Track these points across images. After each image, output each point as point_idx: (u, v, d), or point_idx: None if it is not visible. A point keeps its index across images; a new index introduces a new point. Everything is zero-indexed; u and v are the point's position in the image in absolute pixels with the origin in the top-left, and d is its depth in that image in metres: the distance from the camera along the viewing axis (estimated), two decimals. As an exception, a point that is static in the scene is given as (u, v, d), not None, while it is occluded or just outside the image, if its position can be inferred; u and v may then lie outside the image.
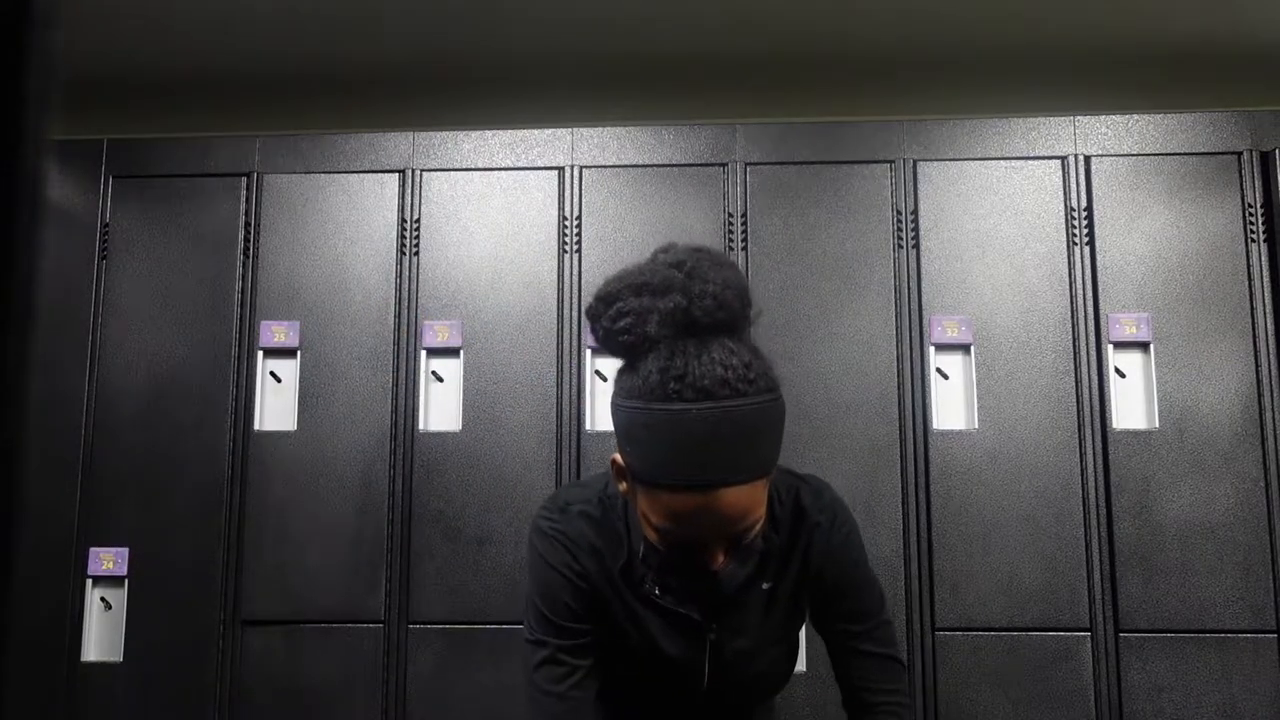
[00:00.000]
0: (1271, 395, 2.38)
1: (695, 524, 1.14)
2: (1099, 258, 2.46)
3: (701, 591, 1.23)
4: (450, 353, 2.53)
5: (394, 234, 2.58)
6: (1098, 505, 2.37)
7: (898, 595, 2.34)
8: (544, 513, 1.36)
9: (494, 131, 2.64)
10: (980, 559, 2.36)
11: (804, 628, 1.43)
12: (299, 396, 2.52)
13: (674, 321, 1.15)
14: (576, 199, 2.56)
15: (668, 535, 1.16)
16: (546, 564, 1.31)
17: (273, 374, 2.55)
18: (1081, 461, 2.39)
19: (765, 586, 1.32)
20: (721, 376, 1.11)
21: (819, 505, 1.34)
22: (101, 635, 2.48)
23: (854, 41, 2.86)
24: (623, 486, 1.24)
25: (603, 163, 2.59)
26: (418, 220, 2.58)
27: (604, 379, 2.49)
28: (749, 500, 1.14)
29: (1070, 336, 2.44)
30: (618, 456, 1.22)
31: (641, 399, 1.14)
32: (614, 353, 1.21)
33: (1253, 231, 2.45)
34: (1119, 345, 2.43)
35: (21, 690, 2.36)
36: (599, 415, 2.49)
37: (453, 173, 2.61)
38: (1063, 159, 2.53)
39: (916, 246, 2.50)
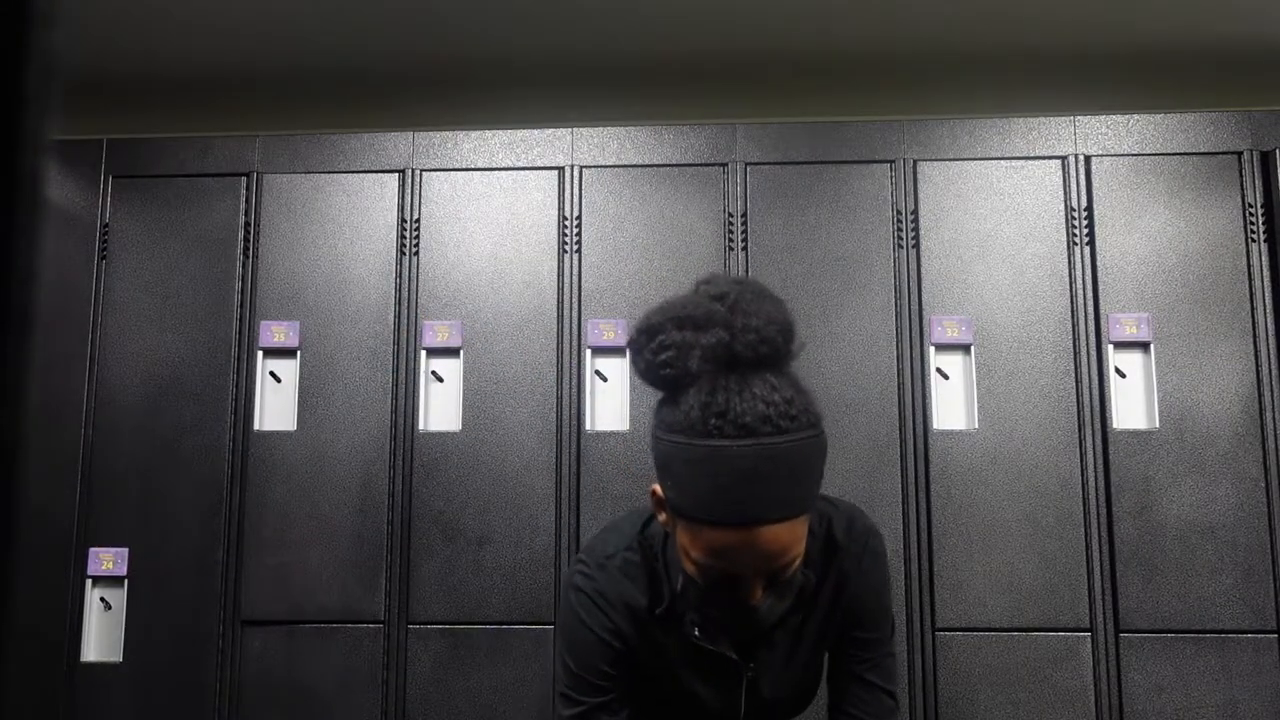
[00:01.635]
0: (1271, 395, 2.38)
1: (734, 560, 1.14)
2: (1099, 258, 2.46)
3: (739, 626, 1.23)
4: (450, 353, 2.53)
5: (394, 234, 2.58)
6: (1098, 505, 2.37)
7: (898, 595, 2.34)
8: (581, 568, 1.35)
9: (494, 131, 2.64)
10: (980, 559, 2.36)
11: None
12: (299, 396, 2.52)
13: (716, 357, 1.15)
14: (576, 199, 2.56)
15: (707, 570, 1.16)
16: (581, 623, 1.31)
17: (273, 374, 2.55)
18: (1081, 461, 2.39)
19: (797, 619, 1.33)
20: (763, 413, 1.11)
21: (851, 535, 1.34)
22: (101, 635, 2.48)
23: (854, 41, 2.86)
24: (662, 518, 1.24)
25: (603, 163, 2.59)
26: (418, 220, 2.58)
27: (604, 379, 2.49)
28: (789, 537, 1.14)
29: (1070, 336, 2.44)
30: (657, 488, 1.22)
31: (682, 434, 1.13)
32: (655, 385, 1.20)
33: (1253, 231, 2.45)
34: (1119, 345, 2.43)
35: (21, 690, 2.36)
36: (599, 415, 2.49)
37: (453, 173, 2.61)
38: (1063, 159, 2.53)
39: (916, 246, 2.50)
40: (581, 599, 1.32)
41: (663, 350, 1.15)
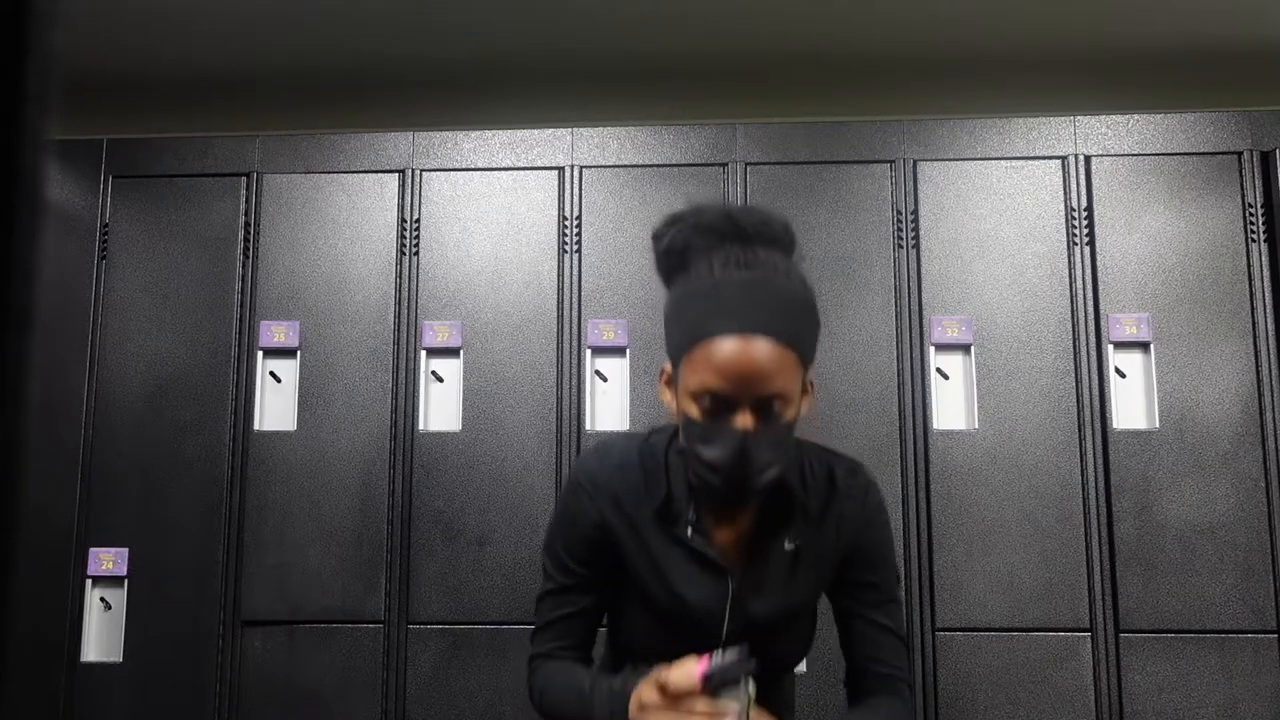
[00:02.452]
0: (1271, 395, 2.38)
1: (732, 374, 1.23)
2: (1099, 258, 2.46)
3: (734, 470, 1.27)
4: (450, 353, 2.53)
5: (394, 234, 2.58)
6: (1098, 505, 2.37)
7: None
8: (581, 463, 1.45)
9: (494, 131, 2.64)
10: (980, 559, 2.36)
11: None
12: (299, 396, 2.52)
13: (722, 229, 1.30)
14: (576, 199, 2.56)
15: (706, 396, 1.25)
16: (569, 508, 1.41)
17: (273, 374, 2.55)
18: (1081, 461, 2.39)
19: (789, 547, 1.38)
20: (767, 261, 1.28)
21: (851, 481, 1.42)
22: (101, 635, 2.48)
23: (854, 41, 2.86)
24: (667, 398, 1.35)
25: (603, 163, 2.59)
26: (418, 220, 2.58)
27: (604, 379, 2.49)
28: (779, 362, 1.24)
29: (1070, 336, 2.44)
30: (665, 366, 1.34)
31: (698, 281, 1.28)
32: (673, 263, 1.33)
33: (1253, 231, 2.45)
34: (1119, 345, 2.43)
35: (21, 690, 2.36)
36: (599, 415, 2.49)
37: (453, 173, 2.61)
38: (1063, 159, 2.53)
39: (916, 246, 2.50)
40: (576, 488, 1.41)
41: (682, 230, 1.31)
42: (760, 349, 1.23)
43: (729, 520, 1.39)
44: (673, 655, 1.31)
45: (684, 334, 1.27)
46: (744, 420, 1.25)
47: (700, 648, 1.32)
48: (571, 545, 1.40)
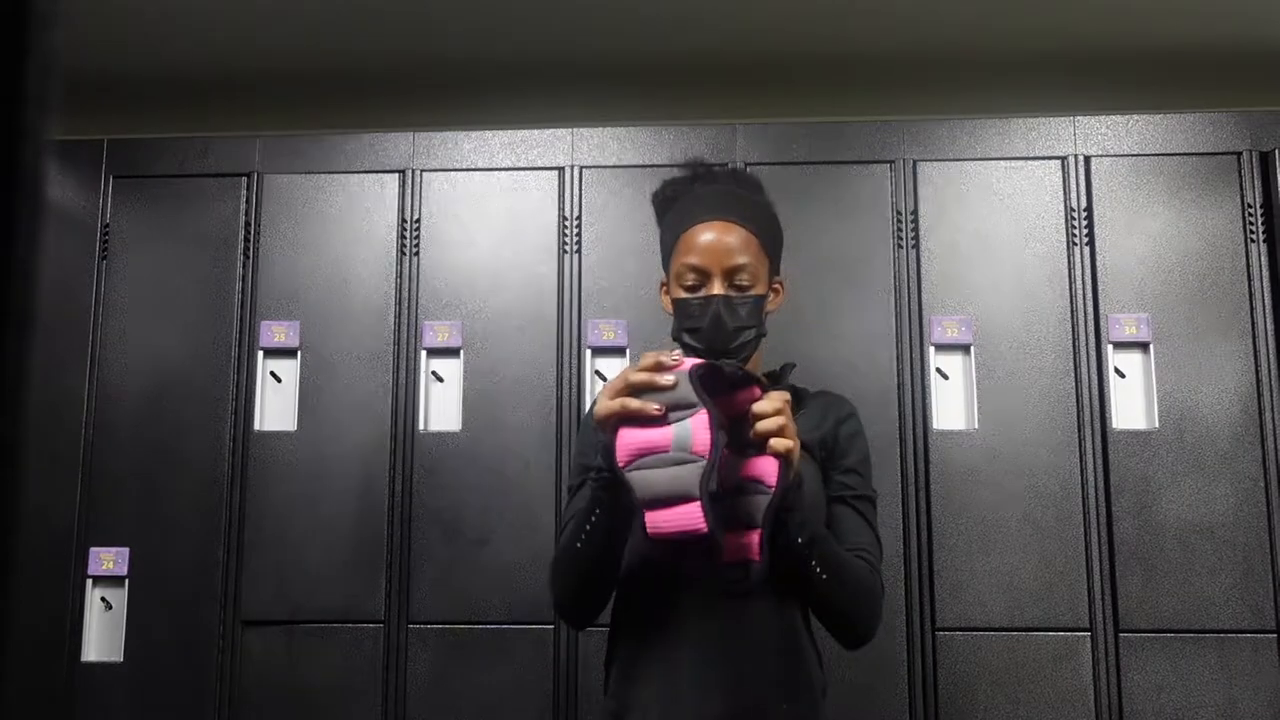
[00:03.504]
0: (1271, 395, 2.38)
1: (702, 249, 1.51)
2: (1099, 258, 2.46)
3: (713, 330, 1.50)
4: (450, 353, 2.53)
5: (394, 234, 2.58)
6: (1098, 505, 2.37)
7: (898, 595, 2.34)
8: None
9: (494, 131, 2.64)
10: (980, 559, 2.36)
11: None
12: (299, 396, 2.52)
13: (699, 175, 1.61)
14: (576, 199, 2.56)
15: (686, 277, 1.52)
16: (586, 431, 1.58)
17: (273, 374, 2.55)
18: (1081, 461, 2.39)
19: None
20: (742, 184, 1.63)
21: (842, 402, 1.65)
22: (101, 635, 2.48)
23: (854, 41, 2.86)
24: (665, 303, 1.59)
25: (603, 163, 2.59)
26: (418, 220, 2.58)
27: (604, 379, 2.49)
28: (743, 240, 1.53)
29: (1070, 336, 2.44)
30: (663, 276, 1.60)
31: (679, 202, 1.58)
32: (666, 209, 1.61)
33: (1253, 231, 2.45)
34: (1119, 345, 2.43)
35: (21, 690, 2.36)
36: (599, 415, 2.49)
37: (453, 173, 2.61)
38: (1063, 159, 2.53)
39: (916, 246, 2.50)
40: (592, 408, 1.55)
41: (675, 183, 1.61)
42: (725, 228, 1.53)
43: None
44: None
45: (669, 235, 1.57)
46: (718, 288, 1.50)
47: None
48: (584, 447, 1.56)
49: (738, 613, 1.45)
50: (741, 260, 1.51)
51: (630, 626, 1.51)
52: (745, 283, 1.52)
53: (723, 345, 1.50)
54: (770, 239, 1.58)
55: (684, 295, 1.52)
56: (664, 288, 1.61)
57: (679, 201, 1.58)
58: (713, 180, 1.61)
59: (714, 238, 1.51)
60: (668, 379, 1.33)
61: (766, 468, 1.34)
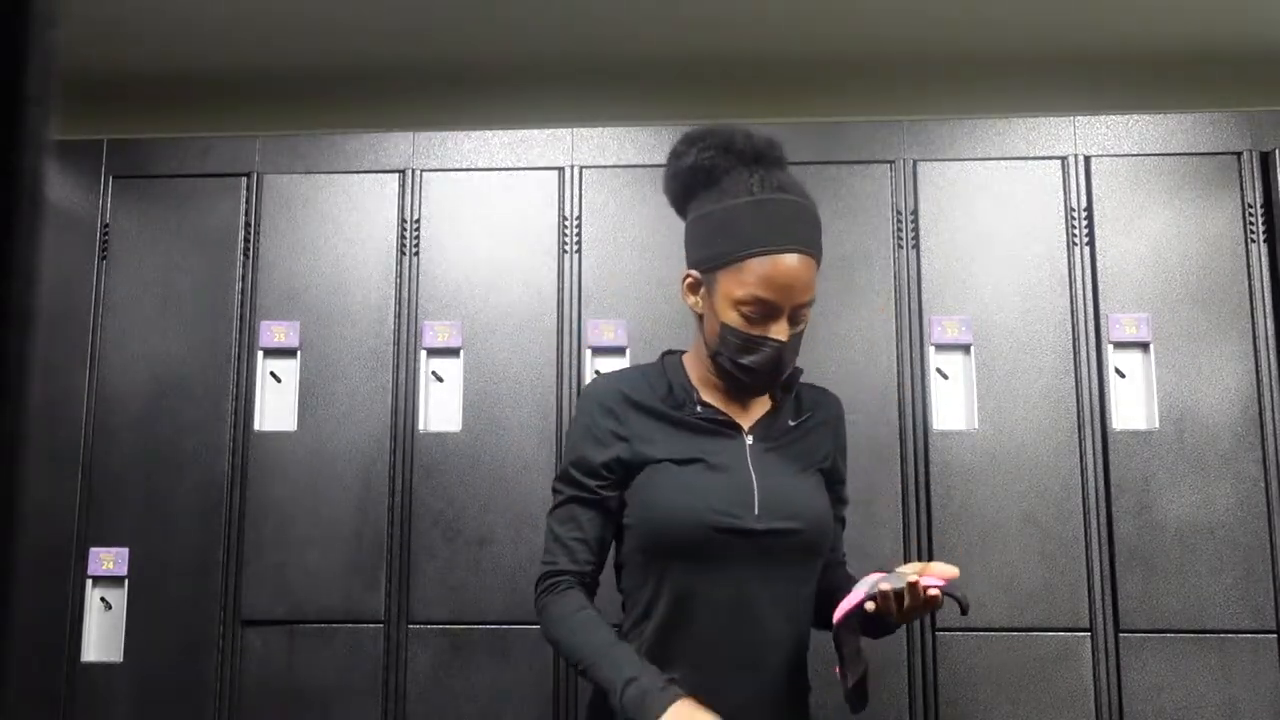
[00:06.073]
0: (1271, 395, 2.38)
1: (778, 284, 1.42)
2: (1099, 258, 2.46)
3: (768, 364, 1.47)
4: (450, 353, 2.53)
5: (394, 234, 2.58)
6: (1098, 505, 2.37)
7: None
8: (588, 385, 1.64)
9: (494, 131, 2.64)
10: (980, 559, 2.36)
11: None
12: (299, 396, 2.52)
13: (741, 150, 1.48)
14: (576, 199, 2.56)
15: (750, 306, 1.44)
16: (585, 422, 1.55)
17: (273, 374, 2.55)
18: (1081, 461, 2.39)
19: (791, 423, 1.59)
20: (793, 183, 1.49)
21: (836, 403, 1.68)
22: (101, 635, 2.48)
23: (854, 41, 2.86)
24: (692, 300, 1.53)
25: (603, 163, 2.59)
26: (418, 220, 2.58)
27: (604, 379, 2.49)
28: (810, 275, 1.45)
29: (1070, 336, 2.44)
30: (692, 273, 1.52)
31: (738, 198, 1.45)
32: (696, 180, 1.50)
33: (1253, 231, 2.45)
34: (1119, 345, 2.43)
35: (21, 690, 2.36)
36: (599, 415, 2.49)
37: (453, 173, 2.61)
38: (1063, 159, 2.53)
39: (916, 246, 2.50)
40: (589, 401, 1.56)
41: (706, 150, 1.49)
42: (804, 264, 1.44)
43: (739, 403, 1.57)
44: (707, 526, 1.44)
45: (733, 245, 1.44)
46: (780, 330, 1.45)
47: (736, 505, 1.47)
48: (586, 454, 1.53)
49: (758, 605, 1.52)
50: (810, 296, 1.47)
51: (660, 608, 1.52)
52: (804, 316, 1.48)
53: (774, 383, 1.52)
54: (821, 256, 1.52)
55: (742, 325, 1.45)
56: (694, 284, 1.52)
57: (730, 191, 1.45)
58: (761, 163, 1.48)
59: (792, 274, 1.42)
60: None
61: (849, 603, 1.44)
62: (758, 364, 1.46)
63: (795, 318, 1.46)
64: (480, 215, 2.58)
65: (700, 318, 1.55)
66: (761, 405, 1.60)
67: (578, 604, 1.51)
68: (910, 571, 1.38)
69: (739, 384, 1.51)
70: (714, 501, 1.46)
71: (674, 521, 1.47)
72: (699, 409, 1.53)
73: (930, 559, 2.36)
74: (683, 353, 1.64)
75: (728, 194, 1.46)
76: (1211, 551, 2.33)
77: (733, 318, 1.46)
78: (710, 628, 1.48)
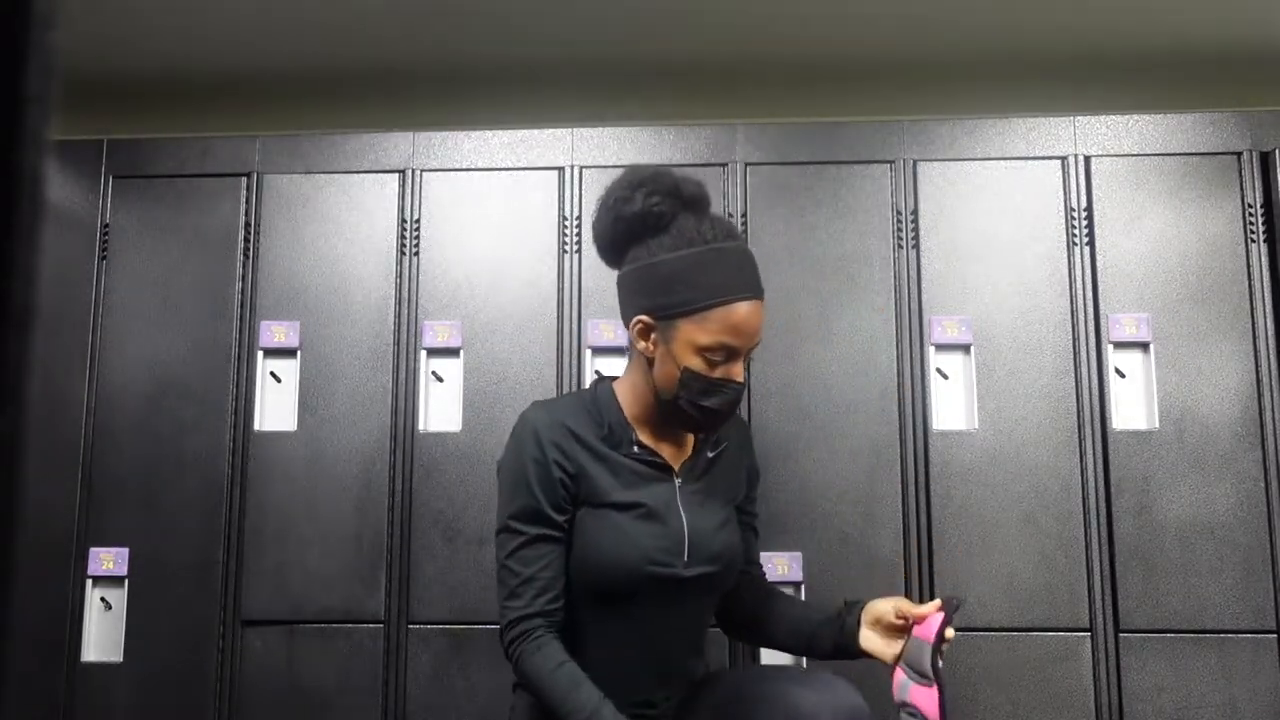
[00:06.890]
0: (1271, 395, 2.38)
1: (743, 331, 1.48)
2: (1099, 258, 2.46)
3: (727, 404, 1.53)
4: (450, 353, 2.53)
5: (394, 234, 2.58)
6: (1098, 505, 2.37)
7: (897, 595, 2.34)
8: (530, 410, 1.62)
9: (494, 131, 2.64)
10: (980, 559, 2.36)
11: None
12: (299, 396, 2.52)
13: (681, 195, 1.53)
14: (576, 199, 2.56)
15: (715, 352, 1.48)
16: (531, 454, 1.54)
17: (273, 374, 2.55)
18: (1081, 461, 2.39)
19: (711, 454, 1.66)
20: (733, 226, 1.56)
21: (742, 421, 1.78)
22: (101, 635, 2.48)
23: (854, 42, 2.86)
24: (643, 345, 1.55)
25: (603, 163, 2.59)
26: (418, 220, 2.58)
27: (604, 379, 2.49)
28: (762, 319, 1.53)
29: (1070, 336, 2.44)
30: (643, 318, 1.54)
31: (691, 247, 1.49)
32: (639, 227, 1.53)
33: (1253, 231, 2.45)
34: (1119, 345, 2.43)
35: (21, 690, 2.36)
36: (599, 415, 2.48)
37: (453, 173, 2.61)
38: (1063, 159, 2.53)
39: (916, 246, 2.50)
40: (530, 433, 1.55)
41: (653, 195, 1.52)
42: (759, 309, 1.51)
43: (669, 440, 1.63)
44: (643, 576, 1.50)
45: (697, 294, 1.47)
46: (738, 372, 1.51)
47: (669, 554, 1.53)
48: (542, 487, 1.52)
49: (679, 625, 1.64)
50: (760, 338, 1.56)
51: (571, 636, 1.58)
52: (751, 356, 1.59)
53: (727, 422, 1.59)
54: None
55: (705, 369, 1.50)
56: (644, 329, 1.56)
57: (684, 239, 1.51)
58: (702, 208, 1.56)
59: (754, 320, 1.51)
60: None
61: (929, 704, 1.48)
62: (720, 405, 1.51)
63: (747, 359, 1.54)
64: (480, 215, 2.58)
65: (649, 361, 1.57)
66: (686, 440, 1.66)
67: (556, 659, 1.49)
68: (891, 612, 1.55)
69: (693, 424, 1.56)
70: (651, 552, 1.52)
71: (612, 568, 1.52)
72: (635, 449, 1.57)
73: (930, 559, 2.36)
74: (614, 379, 1.67)
75: (681, 241, 1.49)
76: (1211, 551, 2.33)
77: (695, 362, 1.49)
78: (617, 660, 1.55)
